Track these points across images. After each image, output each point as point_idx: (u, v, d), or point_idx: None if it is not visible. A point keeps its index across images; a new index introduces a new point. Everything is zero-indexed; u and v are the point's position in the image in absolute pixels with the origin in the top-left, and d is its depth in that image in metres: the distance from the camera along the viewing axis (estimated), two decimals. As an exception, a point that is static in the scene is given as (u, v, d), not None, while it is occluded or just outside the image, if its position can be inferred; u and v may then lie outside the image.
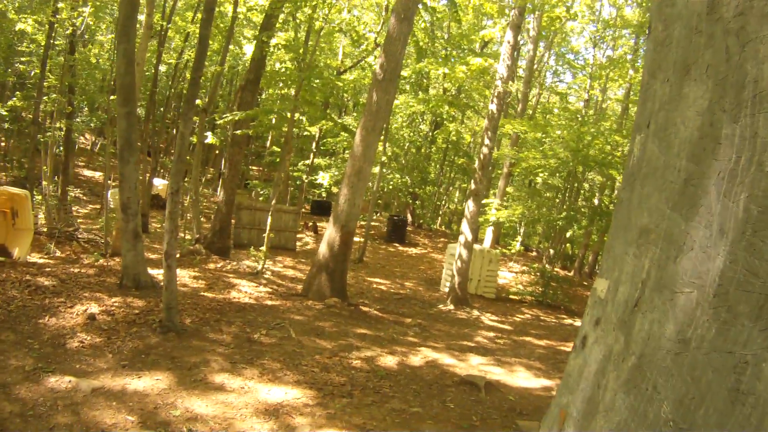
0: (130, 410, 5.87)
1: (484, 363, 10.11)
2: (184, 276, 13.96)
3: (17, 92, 24.08)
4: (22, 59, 24.01)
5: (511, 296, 20.78)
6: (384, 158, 25.57)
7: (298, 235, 24.91)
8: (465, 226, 17.17)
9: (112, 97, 15.60)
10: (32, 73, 24.38)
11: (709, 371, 1.87)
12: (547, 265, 23.37)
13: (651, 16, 2.84)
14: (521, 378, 9.42)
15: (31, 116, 23.20)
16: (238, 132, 18.36)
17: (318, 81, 18.55)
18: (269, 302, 12.47)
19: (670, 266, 2.14)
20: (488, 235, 26.34)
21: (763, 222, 1.82)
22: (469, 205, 17.25)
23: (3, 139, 30.77)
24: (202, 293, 12.39)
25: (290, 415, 6.29)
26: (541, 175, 26.48)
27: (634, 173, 2.66)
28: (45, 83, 20.82)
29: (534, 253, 31.93)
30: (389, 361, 9.17)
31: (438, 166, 38.05)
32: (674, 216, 2.17)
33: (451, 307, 16.45)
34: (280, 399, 6.74)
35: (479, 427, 6.67)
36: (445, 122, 33.13)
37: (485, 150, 17.21)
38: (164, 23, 23.68)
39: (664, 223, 2.24)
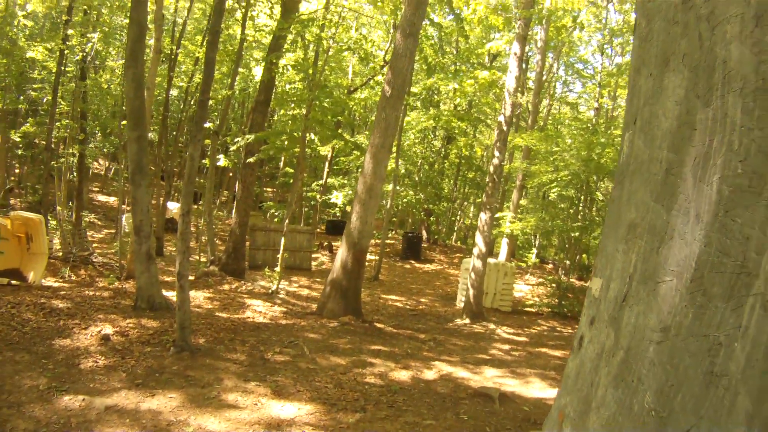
0: (143, 427, 5.89)
1: (499, 375, 10.04)
2: (199, 297, 14.02)
3: (30, 119, 24.42)
4: (34, 86, 24.38)
5: (527, 309, 20.64)
6: (400, 172, 25.55)
7: (313, 255, 24.97)
8: (479, 238, 17.15)
9: (123, 122, 15.81)
10: (44, 99, 24.74)
11: (686, 357, 1.86)
12: (563, 277, 23.22)
13: (636, 13, 2.87)
14: (536, 388, 9.34)
15: (44, 142, 23.57)
16: (250, 160, 18.50)
17: (328, 100, 18.63)
18: (283, 321, 12.47)
19: (653, 257, 2.15)
20: (503, 248, 26.24)
21: (734, 201, 1.82)
22: (482, 217, 17.24)
23: (17, 165, 31.21)
24: (216, 313, 12.44)
25: (303, 430, 6.28)
26: (554, 189, 26.45)
27: (624, 171, 2.67)
28: (57, 109, 21.18)
29: (550, 265, 31.68)
30: (403, 375, 9.14)
31: (451, 181, 37.94)
32: (657, 207, 2.18)
33: (467, 321, 16.36)
34: (293, 415, 6.73)
35: (493, 438, 6.63)
36: (456, 137, 33.12)
37: (495, 161, 17.24)
38: (174, 47, 23.95)
39: (648, 215, 2.25)
